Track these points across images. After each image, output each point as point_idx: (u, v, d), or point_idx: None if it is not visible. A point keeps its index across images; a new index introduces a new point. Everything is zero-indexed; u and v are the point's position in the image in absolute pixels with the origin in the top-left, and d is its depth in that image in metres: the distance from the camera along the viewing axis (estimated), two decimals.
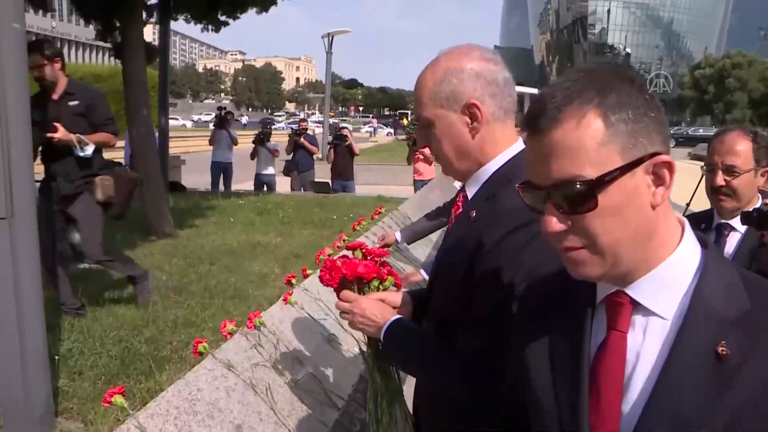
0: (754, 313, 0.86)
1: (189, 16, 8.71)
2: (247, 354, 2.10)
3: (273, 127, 14.15)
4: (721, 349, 0.85)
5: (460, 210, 1.63)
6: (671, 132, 50.92)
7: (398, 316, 1.60)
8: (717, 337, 0.85)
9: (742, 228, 2.26)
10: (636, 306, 0.93)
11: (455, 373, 1.44)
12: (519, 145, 1.56)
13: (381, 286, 1.70)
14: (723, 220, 2.33)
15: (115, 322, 4.02)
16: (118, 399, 1.63)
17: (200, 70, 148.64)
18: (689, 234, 0.95)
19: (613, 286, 0.94)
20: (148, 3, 8.11)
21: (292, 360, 2.25)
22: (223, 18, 8.99)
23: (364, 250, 1.78)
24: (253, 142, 11.78)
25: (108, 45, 7.78)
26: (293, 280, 2.79)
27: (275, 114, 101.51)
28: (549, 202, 0.90)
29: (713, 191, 2.28)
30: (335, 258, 1.72)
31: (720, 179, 2.24)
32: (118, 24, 7.46)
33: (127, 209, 4.50)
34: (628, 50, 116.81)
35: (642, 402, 0.89)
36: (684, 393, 0.86)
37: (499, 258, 1.38)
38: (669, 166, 0.89)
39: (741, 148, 2.23)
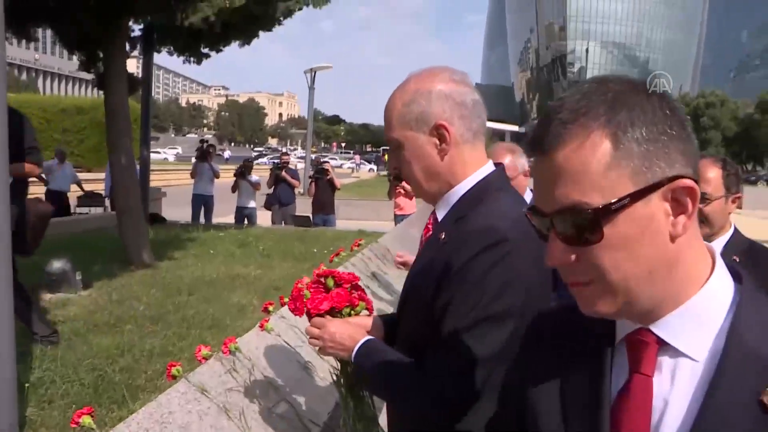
0: None
1: (172, 49, 8.78)
2: (221, 378, 2.08)
3: (258, 161, 14.24)
4: (766, 397, 0.73)
5: (430, 233, 1.64)
6: None
7: (369, 337, 1.61)
8: (760, 382, 0.74)
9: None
10: (663, 346, 0.81)
11: (428, 394, 1.42)
12: (488, 167, 1.57)
13: (353, 312, 1.71)
14: None
15: (89, 350, 3.95)
16: (86, 419, 1.61)
17: (183, 104, 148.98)
18: (721, 266, 0.84)
19: (636, 323, 0.83)
20: (132, 35, 8.17)
21: (267, 386, 2.24)
22: (205, 50, 9.06)
23: (335, 277, 1.76)
24: (235, 175, 11.80)
25: (90, 76, 7.81)
26: (270, 308, 2.78)
27: (255, 149, 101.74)
28: (553, 230, 0.81)
29: None
30: (308, 284, 1.75)
31: None
32: (101, 55, 7.51)
33: (37, 246, 4.28)
34: None
35: None
36: None
37: (465, 279, 1.38)
38: (691, 191, 0.76)
39: (711, 175, 2.28)
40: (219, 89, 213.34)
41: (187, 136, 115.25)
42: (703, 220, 2.28)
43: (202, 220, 12.01)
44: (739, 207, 2.41)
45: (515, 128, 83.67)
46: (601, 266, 0.78)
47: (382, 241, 6.64)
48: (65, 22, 7.02)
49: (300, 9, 8.27)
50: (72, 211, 12.43)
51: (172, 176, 30.28)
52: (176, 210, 13.18)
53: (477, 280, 1.37)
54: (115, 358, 3.87)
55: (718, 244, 2.32)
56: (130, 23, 7.47)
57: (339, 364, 1.73)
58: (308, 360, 2.64)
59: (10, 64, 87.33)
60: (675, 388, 0.80)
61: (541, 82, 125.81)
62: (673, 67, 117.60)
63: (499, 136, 56.30)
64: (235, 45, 9.13)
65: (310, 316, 1.70)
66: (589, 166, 0.76)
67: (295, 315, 1.68)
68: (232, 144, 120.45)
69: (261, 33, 9.01)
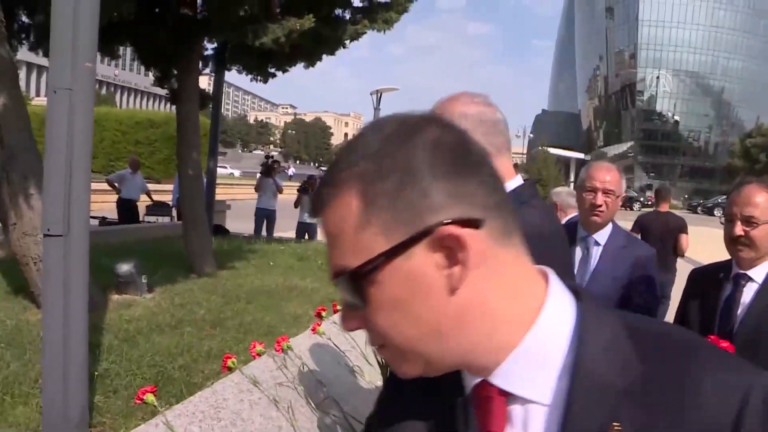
0: (647, 375, 0.69)
1: (241, 67, 9.12)
2: (272, 373, 2.22)
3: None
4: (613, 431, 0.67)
5: None
6: (719, 201, 49.82)
7: None
8: (609, 416, 0.68)
9: (760, 278, 2.34)
10: (509, 396, 0.72)
11: None
12: (515, 181, 1.65)
13: None
14: (740, 270, 2.38)
15: (151, 348, 4.18)
16: (150, 397, 1.76)
17: (251, 121, 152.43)
18: (556, 290, 0.75)
19: (477, 375, 0.75)
20: (205, 54, 8.54)
21: (315, 384, 2.36)
22: (271, 70, 9.38)
23: None
24: (298, 190, 12.09)
25: (164, 91, 8.20)
26: (323, 313, 2.93)
27: (321, 168, 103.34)
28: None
29: (732, 241, 2.35)
30: None
31: (738, 229, 2.31)
32: (175, 72, 7.90)
33: None
34: (677, 118, 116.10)
35: None
36: None
37: None
38: (457, 239, 0.67)
39: (759, 199, 2.32)
40: (287, 107, 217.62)
41: (254, 152, 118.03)
42: (748, 243, 2.31)
43: (264, 233, 12.33)
44: None
45: (581, 156, 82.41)
46: (380, 331, 0.71)
47: None
48: (145, 41, 7.43)
49: (365, 32, 8.48)
50: (140, 219, 12.94)
51: (236, 190, 31.13)
52: (239, 223, 13.58)
53: None
54: (175, 356, 4.08)
55: (763, 268, 2.35)
56: (205, 42, 7.82)
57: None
58: (356, 364, 2.76)
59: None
60: None
61: (610, 110, 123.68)
62: (750, 97, 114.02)
63: (564, 163, 55.57)
64: (300, 66, 9.45)
65: None
66: (343, 227, 0.69)
67: None
68: (297, 162, 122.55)
69: (326, 56, 9.30)
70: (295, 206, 12.18)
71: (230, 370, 2.07)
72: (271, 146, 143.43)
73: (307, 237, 11.93)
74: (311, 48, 8.48)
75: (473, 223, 0.67)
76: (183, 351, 4.20)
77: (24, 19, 6.74)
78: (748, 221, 2.31)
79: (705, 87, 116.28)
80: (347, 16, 8.53)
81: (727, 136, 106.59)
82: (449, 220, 0.66)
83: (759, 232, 2.31)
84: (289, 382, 2.22)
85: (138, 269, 5.89)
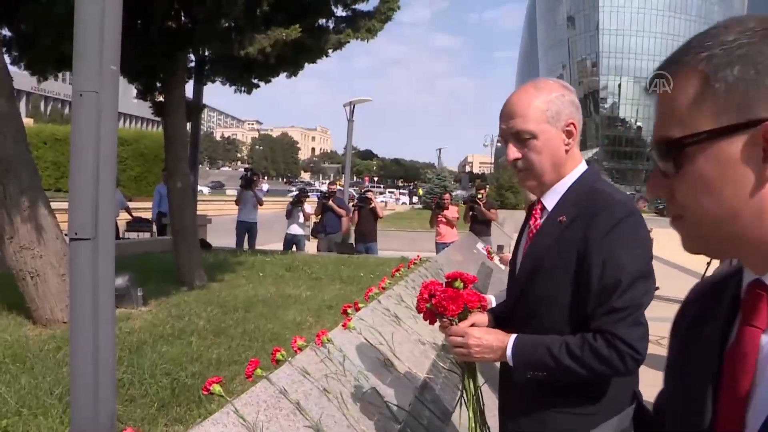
0: None
1: (224, 79, 9.11)
2: (317, 366, 2.24)
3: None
4: None
5: (540, 220, 1.82)
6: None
7: (514, 335, 1.73)
8: None
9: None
10: None
11: (616, 352, 1.58)
12: (584, 165, 1.83)
13: (469, 313, 1.81)
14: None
15: (160, 358, 4.13)
16: (216, 387, 1.77)
17: (218, 137, 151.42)
18: None
19: (754, 273, 0.78)
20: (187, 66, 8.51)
21: (358, 374, 2.38)
22: (255, 81, 9.38)
23: (463, 280, 1.85)
24: (291, 202, 12.09)
25: (131, 110, 8.14)
26: (349, 310, 2.96)
27: (293, 183, 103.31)
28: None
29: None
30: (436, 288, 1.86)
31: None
32: (158, 84, 7.85)
33: None
34: (639, 123, 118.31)
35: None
36: None
37: (614, 242, 1.61)
38: None
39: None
40: (252, 123, 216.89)
41: (222, 169, 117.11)
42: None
43: (245, 246, 12.26)
44: None
45: None
46: (682, 202, 0.78)
47: (438, 257, 6.81)
48: (128, 54, 7.38)
49: (348, 41, 8.54)
50: (121, 235, 12.78)
51: (209, 206, 30.87)
52: (217, 238, 13.49)
53: (625, 242, 1.62)
54: (185, 365, 4.04)
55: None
56: (189, 54, 7.80)
57: (465, 366, 1.85)
58: (387, 357, 2.79)
59: (54, 99, 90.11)
60: None
61: None
62: None
63: None
64: (282, 76, 9.47)
65: (431, 315, 1.84)
66: (676, 102, 0.76)
67: (446, 313, 1.77)
68: (265, 177, 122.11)
69: (306, 65, 9.33)
70: (287, 217, 12.12)
71: (278, 363, 2.09)
72: (239, 162, 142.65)
73: (294, 249, 11.88)
74: (294, 58, 8.51)
75: None
76: (192, 359, 4.16)
77: (4, 32, 6.64)
78: None
79: None
80: (331, 26, 8.58)
81: None
82: None
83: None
84: (333, 373, 2.23)
85: (133, 282, 5.83)
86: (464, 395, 1.89)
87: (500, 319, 1.88)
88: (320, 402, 2.01)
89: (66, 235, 4.74)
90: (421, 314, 1.91)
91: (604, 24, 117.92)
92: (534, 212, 1.85)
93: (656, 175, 0.81)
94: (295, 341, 2.30)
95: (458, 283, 1.82)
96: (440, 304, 1.76)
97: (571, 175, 1.79)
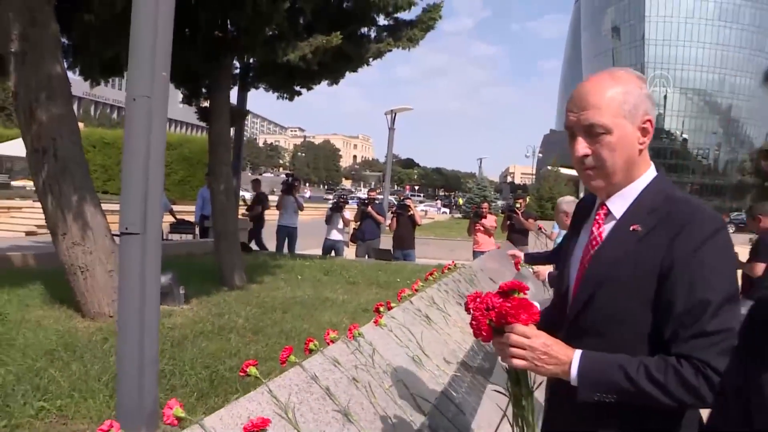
0: None
1: (267, 85, 9.35)
2: (347, 357, 2.36)
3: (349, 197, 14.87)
4: None
5: (602, 226, 1.64)
6: (732, 217, 49.72)
7: (579, 350, 1.53)
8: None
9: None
10: None
11: (698, 377, 1.41)
12: (654, 169, 1.65)
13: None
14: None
15: (200, 352, 4.32)
16: (252, 370, 1.90)
17: (261, 144, 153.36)
18: None
19: None
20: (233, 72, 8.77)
21: (386, 367, 2.50)
22: (297, 88, 9.60)
23: (521, 289, 1.61)
24: (330, 208, 12.28)
25: (178, 115, 8.42)
26: (381, 309, 3.09)
27: (334, 188, 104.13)
28: None
29: None
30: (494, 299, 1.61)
31: None
32: (204, 90, 8.13)
33: None
34: (685, 136, 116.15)
35: None
36: None
37: (705, 259, 1.45)
38: None
39: None
40: (295, 130, 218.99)
41: (264, 175, 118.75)
42: None
43: (285, 250, 12.49)
44: None
45: None
46: None
47: (473, 265, 6.88)
48: (176, 61, 7.66)
49: (390, 50, 8.68)
50: (165, 236, 13.14)
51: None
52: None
53: (717, 259, 1.46)
54: (224, 359, 4.22)
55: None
56: (234, 60, 8.04)
57: (514, 374, 1.61)
58: (416, 354, 2.90)
59: (104, 104, 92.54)
60: None
61: None
62: (757, 114, 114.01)
63: (575, 182, 55.64)
64: (323, 84, 9.67)
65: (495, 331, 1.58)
66: None
67: (482, 340, 1.60)
68: (307, 184, 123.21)
69: (347, 73, 9.51)
70: (326, 223, 12.32)
71: (311, 352, 2.22)
72: (281, 169, 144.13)
73: (333, 254, 12.06)
74: (335, 66, 8.70)
75: None
76: (231, 354, 4.34)
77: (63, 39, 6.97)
78: None
79: (713, 105, 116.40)
80: (372, 35, 8.75)
81: (737, 153, 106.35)
82: None
83: None
84: (362, 365, 2.35)
85: (175, 281, 6.05)
86: (514, 407, 1.65)
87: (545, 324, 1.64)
88: (349, 390, 2.13)
89: (113, 234, 4.99)
90: (474, 331, 1.63)
91: (650, 34, 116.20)
92: (597, 217, 1.66)
93: None
94: (328, 334, 2.43)
95: (518, 293, 1.59)
96: (509, 314, 1.52)
97: (642, 179, 1.61)
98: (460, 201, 51.70)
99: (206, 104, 8.01)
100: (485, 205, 11.90)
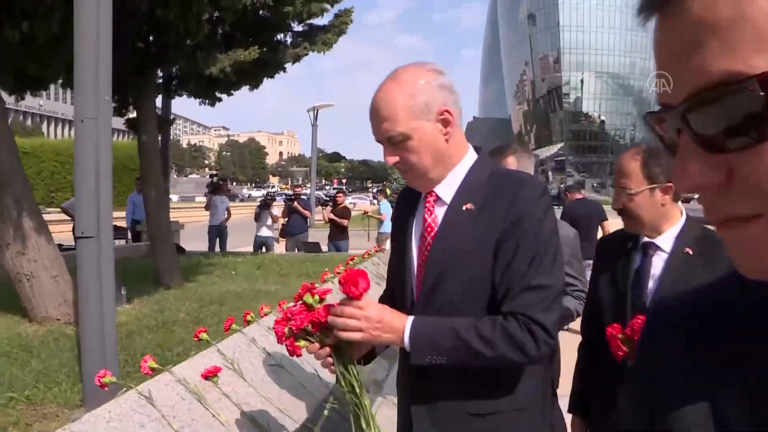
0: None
1: (190, 93, 9.69)
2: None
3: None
4: None
5: (434, 213, 1.68)
6: None
7: (412, 316, 1.59)
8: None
9: (668, 247, 2.12)
10: None
11: (526, 335, 1.49)
12: (473, 151, 1.73)
13: None
14: (647, 239, 2.16)
15: (148, 343, 4.76)
16: (204, 335, 2.42)
17: (184, 145, 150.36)
18: None
19: None
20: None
21: None
22: (218, 94, 9.97)
23: (314, 294, 1.68)
24: (259, 206, 12.68)
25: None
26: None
27: (258, 187, 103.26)
28: (685, 131, 0.48)
29: (619, 213, 2.21)
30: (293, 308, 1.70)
31: (617, 203, 2.18)
32: (131, 100, 8.43)
33: None
34: (603, 117, 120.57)
35: None
36: None
37: (526, 225, 1.54)
38: None
39: (630, 168, 2.13)
40: (219, 130, 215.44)
41: (190, 176, 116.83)
42: (628, 215, 2.17)
43: (217, 249, 12.83)
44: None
45: None
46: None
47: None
48: None
49: (306, 54, 9.19)
50: None
51: (179, 213, 31.15)
52: (187, 244, 14.04)
53: (542, 221, 1.56)
54: (171, 347, 4.66)
55: (669, 236, 2.14)
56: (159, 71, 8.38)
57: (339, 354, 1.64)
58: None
59: (16, 111, 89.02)
60: None
61: (538, 114, 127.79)
62: None
63: None
64: (245, 89, 10.08)
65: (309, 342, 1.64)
66: (748, 12, 0.42)
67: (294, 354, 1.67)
68: (234, 183, 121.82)
69: (265, 79, 9.95)
70: (255, 220, 12.72)
71: (249, 322, 2.75)
72: (207, 169, 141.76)
73: (264, 250, 12.49)
74: (254, 72, 9.13)
75: None
76: (176, 343, 4.78)
77: None
78: (625, 193, 2.13)
79: (626, 87, 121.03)
80: (288, 41, 9.23)
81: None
82: None
83: (635, 203, 2.12)
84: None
85: (117, 283, 6.39)
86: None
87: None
88: (282, 350, 2.67)
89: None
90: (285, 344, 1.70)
91: (564, 21, 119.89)
92: (427, 204, 1.70)
93: (695, 152, 0.47)
94: (262, 308, 2.96)
95: (309, 299, 1.65)
96: (345, 283, 1.55)
97: (464, 162, 1.68)
98: (387, 191, 52.45)
99: (133, 115, 8.31)
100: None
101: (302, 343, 1.62)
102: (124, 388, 2.19)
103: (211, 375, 2.08)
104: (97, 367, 3.23)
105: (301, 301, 1.66)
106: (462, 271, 1.58)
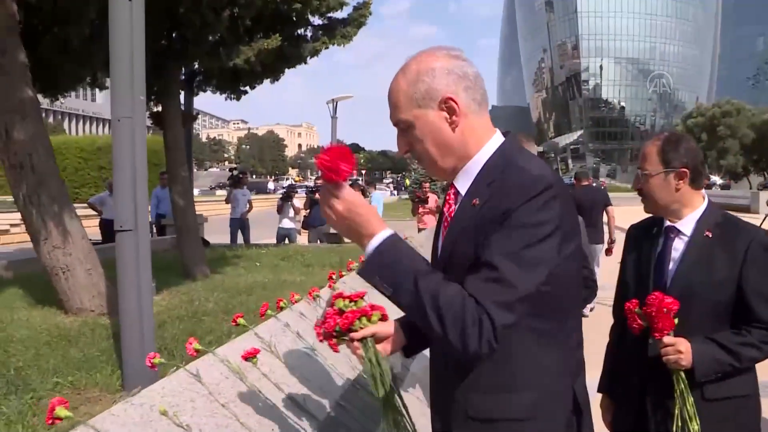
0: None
1: (214, 88, 9.87)
2: (310, 312, 3.05)
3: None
4: None
5: (453, 206, 1.65)
6: None
7: (394, 232, 1.54)
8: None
9: (689, 231, 2.29)
10: None
11: (480, 332, 1.40)
12: (500, 135, 1.64)
13: (369, 322, 1.66)
14: (669, 224, 2.34)
15: (179, 332, 4.92)
16: (241, 320, 2.56)
17: (204, 139, 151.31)
18: None
19: None
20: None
21: None
22: (243, 88, 10.15)
23: (343, 298, 1.71)
24: (281, 198, 12.87)
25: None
26: (333, 276, 3.78)
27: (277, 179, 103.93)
28: None
29: (639, 194, 2.40)
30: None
31: (635, 183, 2.41)
32: (152, 97, 8.62)
33: None
34: (623, 104, 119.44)
35: None
36: None
37: (514, 221, 1.44)
38: None
39: (648, 151, 2.34)
40: (238, 123, 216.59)
41: (210, 170, 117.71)
42: (645, 196, 2.37)
43: (240, 242, 13.04)
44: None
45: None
46: None
47: (416, 237, 7.63)
48: None
49: (326, 48, 9.32)
50: None
51: (201, 207, 31.52)
52: (210, 237, 14.29)
53: (526, 222, 1.44)
54: (202, 335, 4.83)
55: (690, 220, 2.31)
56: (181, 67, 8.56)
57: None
58: None
59: (46, 111, 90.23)
60: None
61: (557, 101, 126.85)
62: (688, 80, 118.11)
63: None
64: (266, 82, 10.24)
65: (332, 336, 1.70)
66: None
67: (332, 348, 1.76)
68: (254, 176, 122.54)
69: (287, 70, 10.11)
70: (278, 212, 12.90)
71: (282, 309, 2.90)
72: (226, 162, 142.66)
73: (287, 242, 12.67)
74: (276, 65, 9.29)
75: None
76: (207, 332, 4.96)
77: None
78: (643, 175, 2.32)
79: (646, 72, 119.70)
80: (308, 34, 9.36)
81: (671, 117, 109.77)
82: None
83: (650, 185, 2.31)
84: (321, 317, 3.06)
85: None
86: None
87: (410, 326, 1.71)
88: (314, 335, 2.82)
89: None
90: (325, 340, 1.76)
91: (582, 7, 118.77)
92: (448, 197, 1.68)
93: None
94: (293, 296, 3.10)
95: (341, 303, 1.69)
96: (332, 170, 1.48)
97: (484, 150, 1.60)
98: (407, 182, 52.59)
99: (158, 109, 8.50)
100: (426, 185, 12.65)
101: (336, 341, 1.69)
102: (174, 367, 2.34)
103: (250, 356, 2.22)
104: (136, 354, 3.42)
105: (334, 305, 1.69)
106: (463, 272, 1.50)
